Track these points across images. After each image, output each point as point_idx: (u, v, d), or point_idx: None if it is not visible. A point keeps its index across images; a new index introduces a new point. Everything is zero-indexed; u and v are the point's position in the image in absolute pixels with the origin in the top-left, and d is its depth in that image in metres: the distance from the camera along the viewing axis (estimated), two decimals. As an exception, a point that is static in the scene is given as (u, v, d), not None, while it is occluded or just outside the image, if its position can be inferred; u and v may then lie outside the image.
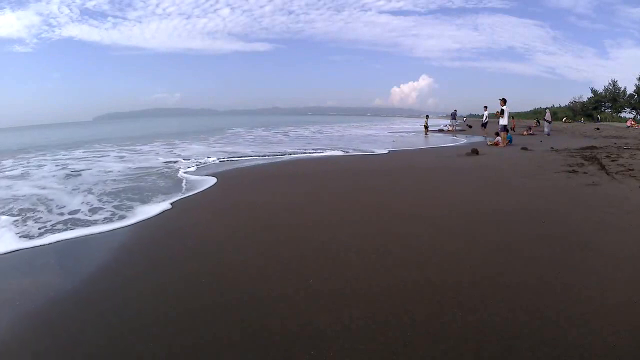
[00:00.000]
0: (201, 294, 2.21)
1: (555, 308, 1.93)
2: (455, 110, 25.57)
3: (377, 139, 17.37)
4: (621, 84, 38.23)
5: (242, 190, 5.60)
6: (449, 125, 25.42)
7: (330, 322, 1.86)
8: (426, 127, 21.04)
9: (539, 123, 23.27)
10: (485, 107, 16.75)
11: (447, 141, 15.37)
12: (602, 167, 6.15)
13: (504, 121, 11.86)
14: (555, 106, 44.26)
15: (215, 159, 9.18)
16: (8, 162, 9.63)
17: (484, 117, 16.60)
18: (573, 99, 42.23)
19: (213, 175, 6.62)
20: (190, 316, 1.96)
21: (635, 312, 1.87)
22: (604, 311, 1.89)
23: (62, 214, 4.14)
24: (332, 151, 11.06)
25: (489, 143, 12.39)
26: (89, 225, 3.67)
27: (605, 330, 1.72)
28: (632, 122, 24.28)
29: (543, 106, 42.00)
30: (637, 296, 2.03)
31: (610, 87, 38.73)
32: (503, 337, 1.69)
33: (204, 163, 8.47)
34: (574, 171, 5.99)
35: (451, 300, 2.05)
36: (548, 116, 18.27)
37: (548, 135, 16.69)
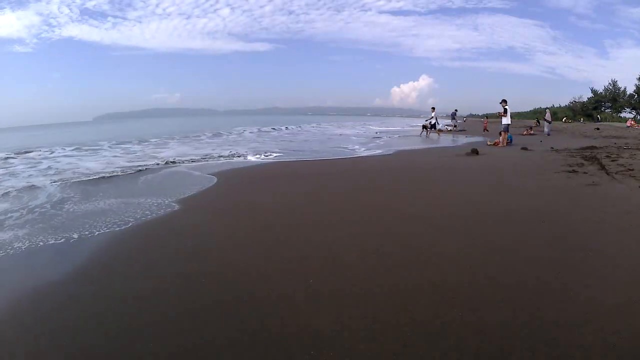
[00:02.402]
0: (201, 294, 2.21)
1: (555, 308, 1.93)
2: (456, 110, 25.62)
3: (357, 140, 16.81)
4: (621, 84, 38.22)
5: (242, 190, 5.60)
6: (449, 125, 25.47)
7: (330, 322, 1.86)
8: (425, 127, 21.02)
9: (539, 123, 23.34)
10: (433, 108, 17.62)
11: (447, 141, 15.37)
12: (602, 167, 6.14)
13: (506, 120, 11.86)
14: (555, 106, 44.28)
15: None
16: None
17: (433, 119, 17.27)
18: (573, 99, 42.23)
19: (213, 174, 6.64)
20: (190, 316, 1.96)
21: (635, 312, 1.87)
22: (604, 311, 1.89)
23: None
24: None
25: (489, 143, 12.39)
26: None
27: (605, 330, 1.72)
28: (632, 122, 24.26)
29: (543, 106, 42.10)
30: (637, 296, 2.03)
31: (610, 87, 38.71)
32: (503, 337, 1.69)
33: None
34: (574, 171, 5.99)
35: (451, 300, 2.05)
36: (548, 116, 18.39)
37: (548, 135, 16.73)
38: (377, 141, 15.68)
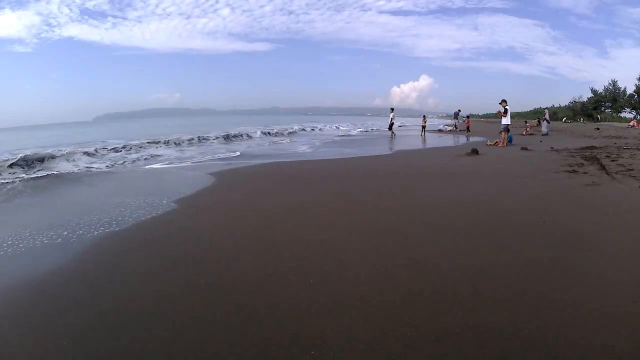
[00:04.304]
0: (201, 296, 2.21)
1: (555, 308, 1.93)
2: (459, 110, 25.49)
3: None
4: (621, 84, 38.26)
5: (242, 190, 5.60)
6: (449, 125, 25.53)
7: (330, 323, 1.86)
8: (424, 126, 21.27)
9: (540, 123, 23.55)
10: (392, 109, 18.68)
11: (447, 141, 15.38)
12: (602, 167, 6.14)
13: (506, 120, 11.84)
14: (555, 106, 44.40)
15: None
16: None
17: (390, 119, 18.33)
18: (573, 99, 42.28)
19: (212, 174, 6.65)
20: (190, 318, 1.96)
21: (636, 312, 1.87)
22: (604, 311, 1.89)
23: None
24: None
25: (489, 143, 12.40)
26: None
27: (605, 330, 1.72)
28: (634, 123, 24.18)
29: (543, 106, 42.27)
30: (638, 296, 2.03)
31: (610, 87, 38.74)
32: (503, 338, 1.69)
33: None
34: (574, 171, 5.99)
35: (451, 300, 2.05)
36: (547, 116, 18.77)
37: (546, 134, 16.87)
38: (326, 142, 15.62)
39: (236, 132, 19.42)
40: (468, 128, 20.68)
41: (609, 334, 1.69)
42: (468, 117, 23.16)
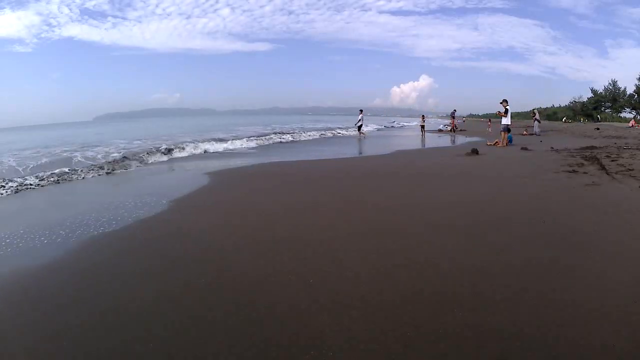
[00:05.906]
0: (201, 296, 2.21)
1: (555, 308, 1.93)
2: (455, 111, 25.69)
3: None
4: (621, 84, 38.37)
5: (241, 190, 5.60)
6: (448, 125, 25.66)
7: (330, 323, 1.86)
8: (422, 126, 21.49)
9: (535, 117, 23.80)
10: (361, 110, 18.83)
11: (447, 141, 15.38)
12: (602, 167, 6.14)
13: (506, 121, 11.85)
14: (555, 106, 44.51)
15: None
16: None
17: (359, 120, 18.59)
18: (573, 99, 42.36)
19: (209, 174, 6.64)
20: (190, 318, 1.96)
21: (636, 312, 1.87)
22: (604, 311, 1.89)
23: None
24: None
25: (488, 143, 12.40)
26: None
27: (605, 330, 1.72)
28: (634, 123, 24.21)
29: (543, 106, 42.45)
30: (637, 296, 2.03)
31: (610, 87, 38.81)
32: (503, 338, 1.69)
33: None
34: (574, 171, 5.98)
35: (451, 300, 2.05)
36: (537, 116, 19.18)
37: (538, 134, 17.02)
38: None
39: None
40: (453, 128, 21.05)
41: (609, 334, 1.69)
42: (453, 117, 23.73)
